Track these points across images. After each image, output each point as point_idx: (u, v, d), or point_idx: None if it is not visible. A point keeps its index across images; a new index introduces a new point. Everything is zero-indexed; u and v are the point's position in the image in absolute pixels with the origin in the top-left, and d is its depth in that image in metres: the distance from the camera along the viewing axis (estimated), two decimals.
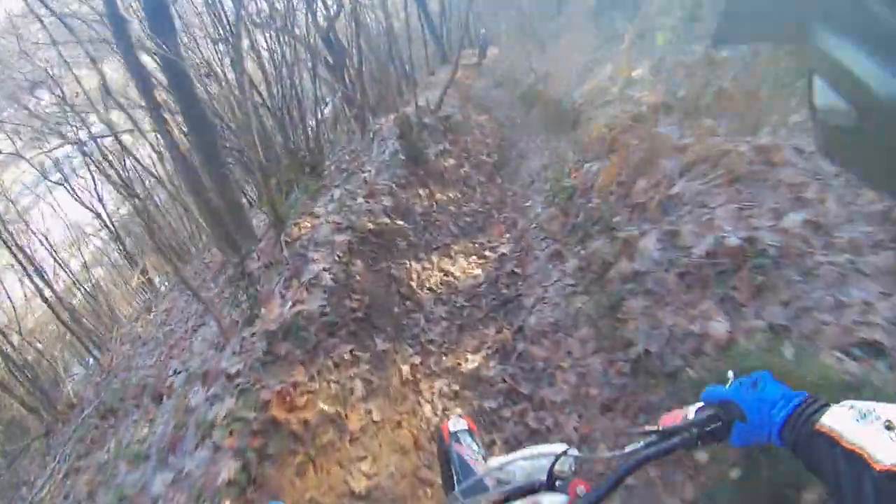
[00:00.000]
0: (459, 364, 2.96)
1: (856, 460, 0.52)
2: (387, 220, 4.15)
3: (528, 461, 0.80)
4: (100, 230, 11.57)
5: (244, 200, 6.98)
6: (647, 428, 0.73)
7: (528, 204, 4.89)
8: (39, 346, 8.25)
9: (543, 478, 0.76)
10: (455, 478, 1.22)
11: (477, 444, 1.30)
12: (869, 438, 0.52)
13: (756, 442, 0.67)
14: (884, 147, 1.41)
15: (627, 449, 0.72)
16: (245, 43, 5.90)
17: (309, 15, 7.84)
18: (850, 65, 1.45)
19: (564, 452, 0.76)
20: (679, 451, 0.69)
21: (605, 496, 0.68)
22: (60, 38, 7.21)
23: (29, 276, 7.92)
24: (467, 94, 9.86)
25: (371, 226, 3.95)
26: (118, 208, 11.97)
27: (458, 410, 2.64)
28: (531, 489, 0.78)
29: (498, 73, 12.55)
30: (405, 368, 2.93)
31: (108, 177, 9.77)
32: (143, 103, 4.79)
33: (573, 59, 8.30)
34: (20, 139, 9.98)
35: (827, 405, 0.60)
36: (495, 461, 0.84)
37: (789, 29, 2.50)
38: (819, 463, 0.57)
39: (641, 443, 0.72)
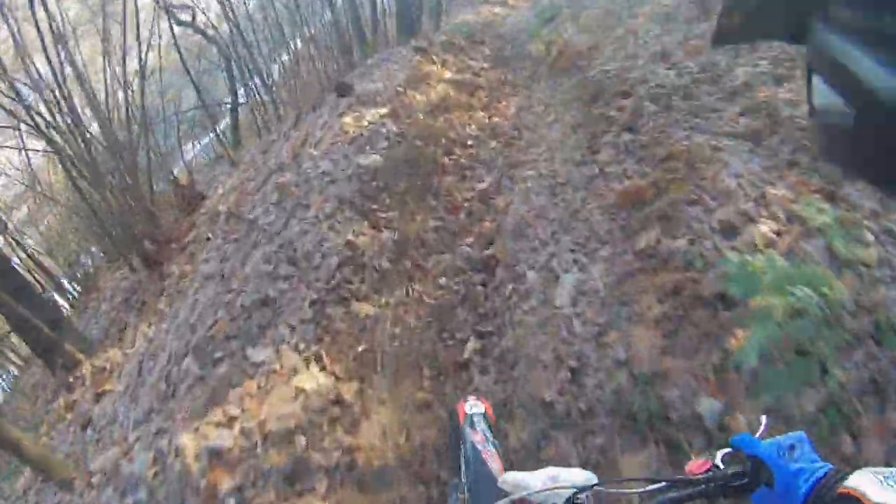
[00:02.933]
0: None
1: None
2: None
3: (546, 485, 0.77)
4: None
5: None
6: (674, 476, 0.73)
7: None
8: None
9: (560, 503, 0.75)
10: (464, 464, 1.19)
11: (491, 432, 1.26)
12: (893, 499, 0.53)
13: None
14: (884, 147, 1.41)
15: (650, 487, 0.72)
16: None
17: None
18: (850, 64, 1.44)
19: (589, 487, 0.74)
20: (701, 498, 0.69)
21: None
22: None
23: None
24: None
25: None
26: None
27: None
28: None
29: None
30: None
31: None
32: None
33: None
34: None
35: (850, 473, 0.60)
36: (512, 477, 0.81)
37: (789, 28, 2.49)
38: None
39: (665, 484, 0.71)
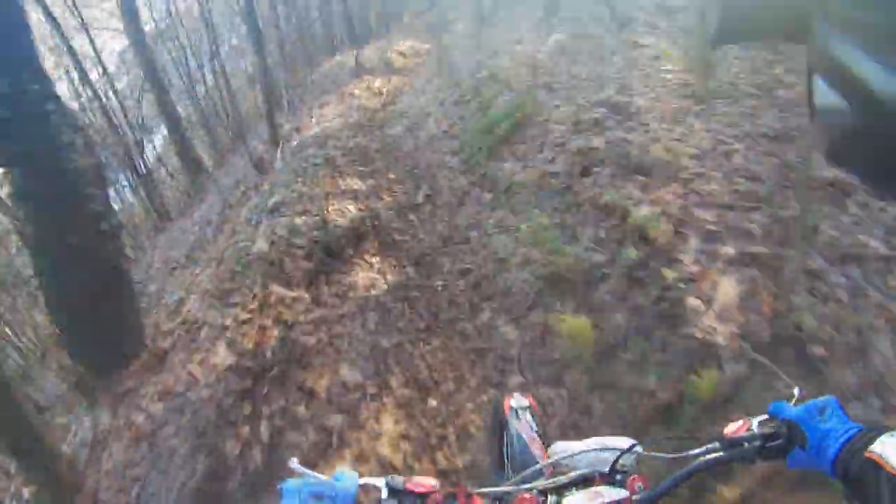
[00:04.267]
0: None
1: None
2: None
3: (592, 452, 0.82)
4: None
5: None
6: (713, 437, 0.75)
7: None
8: None
9: (605, 469, 0.78)
10: (507, 454, 1.22)
11: (537, 423, 1.29)
12: None
13: (811, 467, 0.69)
14: (884, 147, 1.40)
15: (691, 452, 0.74)
16: None
17: None
18: (850, 64, 1.44)
19: (631, 448, 0.77)
20: (738, 461, 0.72)
21: (662, 496, 0.71)
22: None
23: None
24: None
25: None
26: None
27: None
28: (590, 480, 0.79)
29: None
30: None
31: None
32: None
33: None
34: None
35: (879, 434, 0.62)
36: (559, 446, 0.84)
37: (789, 28, 2.49)
38: (865, 488, 0.59)
39: (704, 447, 0.74)
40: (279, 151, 5.69)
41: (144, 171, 7.42)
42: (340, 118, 5.83)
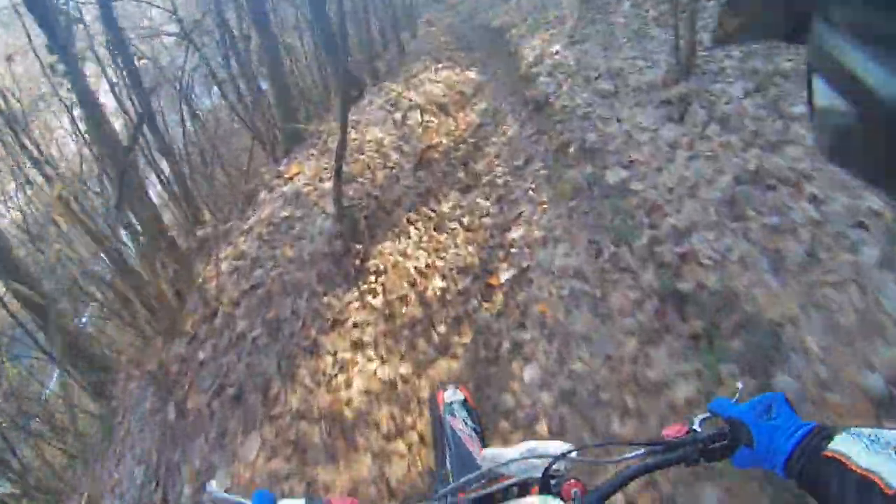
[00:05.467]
0: None
1: (867, 486, 0.51)
2: None
3: (524, 457, 0.77)
4: None
5: None
6: (652, 441, 0.71)
7: None
8: None
9: (537, 475, 0.74)
10: (447, 450, 1.19)
11: (472, 418, 1.26)
12: (880, 464, 0.51)
13: (758, 467, 0.65)
14: (884, 147, 1.40)
15: (628, 455, 0.70)
16: None
17: None
18: (850, 64, 1.43)
19: (564, 455, 0.73)
20: (679, 463, 0.68)
21: (600, 502, 0.67)
22: None
23: None
24: None
25: None
26: None
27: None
28: (524, 486, 0.76)
29: None
30: None
31: None
32: None
33: None
34: None
35: (833, 434, 0.59)
36: (490, 453, 0.81)
37: (789, 28, 2.49)
38: (826, 489, 0.56)
39: (643, 451, 0.70)
40: None
41: None
42: None
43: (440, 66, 7.30)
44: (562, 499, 0.69)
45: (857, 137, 0.53)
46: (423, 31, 11.56)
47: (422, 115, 5.24)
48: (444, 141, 4.84)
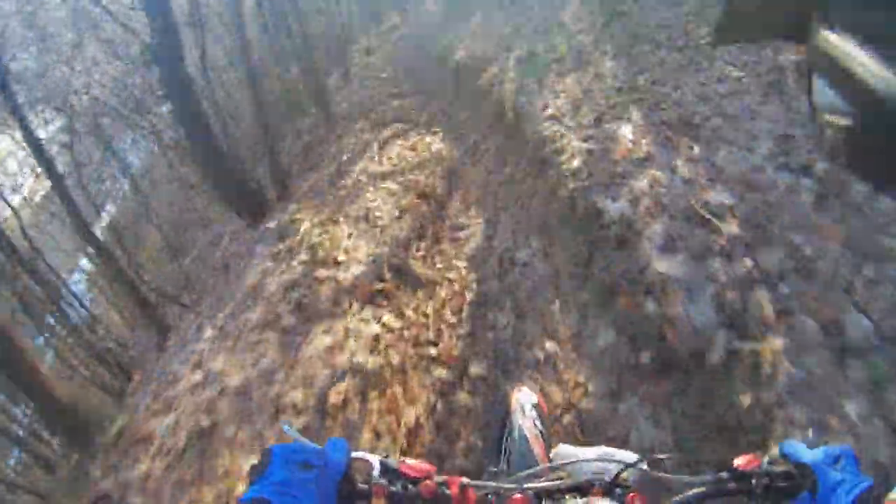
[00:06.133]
0: None
1: None
2: None
3: (596, 462, 0.79)
4: None
5: None
6: (722, 468, 0.73)
7: None
8: None
9: (605, 479, 0.76)
10: (506, 449, 1.19)
11: (542, 422, 1.26)
12: None
13: None
14: (884, 146, 1.40)
15: (696, 478, 0.72)
16: None
17: None
18: (850, 64, 1.43)
19: (635, 463, 0.75)
20: (742, 496, 0.70)
21: None
22: None
23: None
24: None
25: None
26: None
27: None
28: (587, 489, 0.77)
29: None
30: None
31: None
32: None
33: None
34: None
35: (892, 487, 0.61)
36: (563, 450, 0.82)
37: (789, 28, 2.49)
38: None
39: (710, 475, 0.71)
40: None
41: None
42: None
43: (385, 134, 5.09)
44: None
45: (856, 136, 0.53)
46: (359, 64, 9.06)
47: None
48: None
